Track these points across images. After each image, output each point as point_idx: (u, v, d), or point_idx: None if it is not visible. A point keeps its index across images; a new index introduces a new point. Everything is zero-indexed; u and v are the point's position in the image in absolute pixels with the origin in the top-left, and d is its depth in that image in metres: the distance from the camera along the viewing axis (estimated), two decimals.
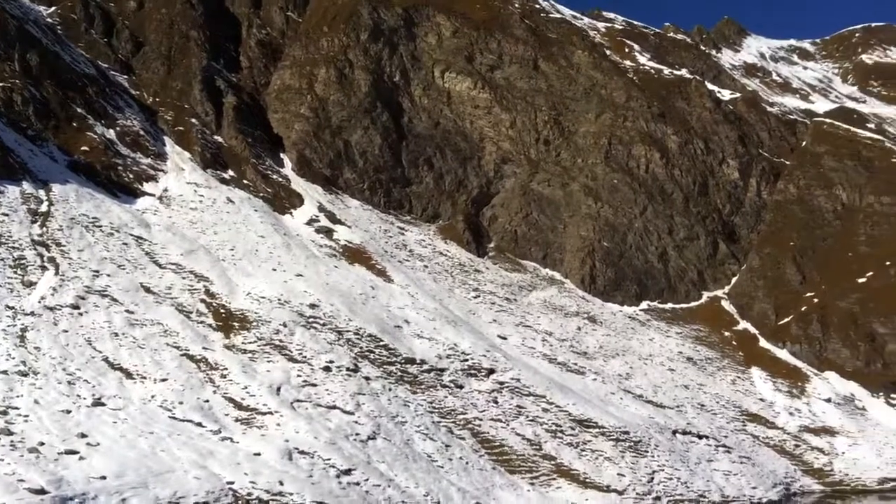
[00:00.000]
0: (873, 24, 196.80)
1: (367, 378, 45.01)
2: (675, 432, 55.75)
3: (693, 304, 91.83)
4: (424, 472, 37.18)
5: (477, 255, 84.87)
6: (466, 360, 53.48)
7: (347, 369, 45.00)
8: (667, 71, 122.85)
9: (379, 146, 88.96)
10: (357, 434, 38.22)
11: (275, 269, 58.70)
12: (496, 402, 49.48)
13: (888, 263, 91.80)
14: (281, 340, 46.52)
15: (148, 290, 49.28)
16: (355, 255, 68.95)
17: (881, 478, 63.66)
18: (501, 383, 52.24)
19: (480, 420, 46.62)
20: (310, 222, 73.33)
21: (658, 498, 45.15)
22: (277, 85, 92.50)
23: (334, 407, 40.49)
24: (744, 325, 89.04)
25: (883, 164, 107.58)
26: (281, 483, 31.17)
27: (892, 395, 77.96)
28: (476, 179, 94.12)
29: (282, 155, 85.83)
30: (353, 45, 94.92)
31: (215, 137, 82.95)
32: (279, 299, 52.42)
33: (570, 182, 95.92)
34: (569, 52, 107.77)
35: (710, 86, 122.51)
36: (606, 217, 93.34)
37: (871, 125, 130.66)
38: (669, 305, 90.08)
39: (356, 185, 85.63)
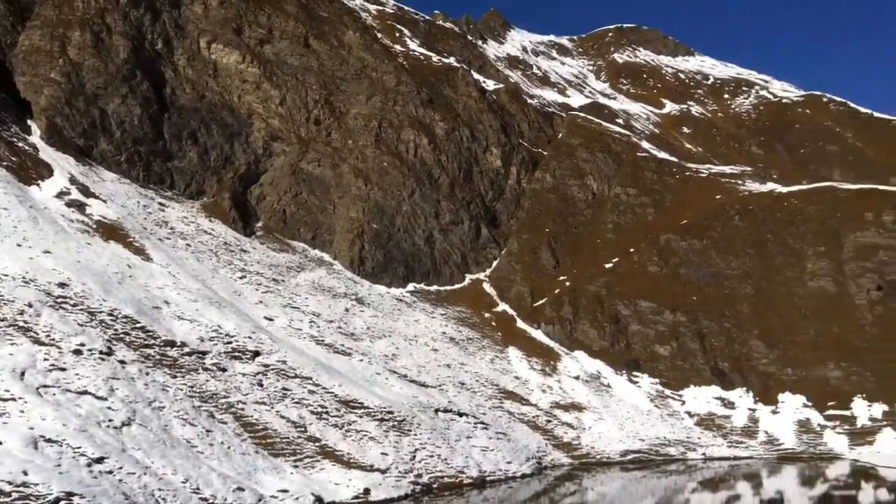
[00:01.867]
0: (625, 25, 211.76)
1: (122, 362, 42.49)
2: (437, 410, 57.21)
3: (457, 286, 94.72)
4: (183, 459, 35.70)
5: (244, 234, 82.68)
6: (230, 343, 51.95)
7: (100, 352, 42.23)
8: (435, 58, 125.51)
9: (138, 117, 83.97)
10: (110, 420, 36.00)
11: (19, 245, 53.91)
12: (261, 385, 48.47)
13: (632, 250, 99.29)
14: (25, 321, 42.82)
15: None
16: (111, 231, 64.83)
17: (623, 450, 68.90)
18: (267, 366, 51.25)
19: (244, 403, 45.48)
20: (60, 195, 67.87)
21: (419, 475, 46.15)
22: (25, 46, 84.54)
23: (85, 392, 37.86)
24: (503, 306, 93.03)
25: (630, 158, 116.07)
26: (25, 473, 28.75)
27: (634, 373, 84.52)
28: (244, 156, 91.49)
29: (29, 122, 78.61)
30: (111, 8, 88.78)
31: None
32: (24, 277, 48.20)
33: (340, 163, 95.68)
34: (340, 31, 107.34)
35: (476, 75, 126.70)
36: (376, 199, 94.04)
37: (620, 120, 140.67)
38: (435, 287, 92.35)
39: (113, 158, 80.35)
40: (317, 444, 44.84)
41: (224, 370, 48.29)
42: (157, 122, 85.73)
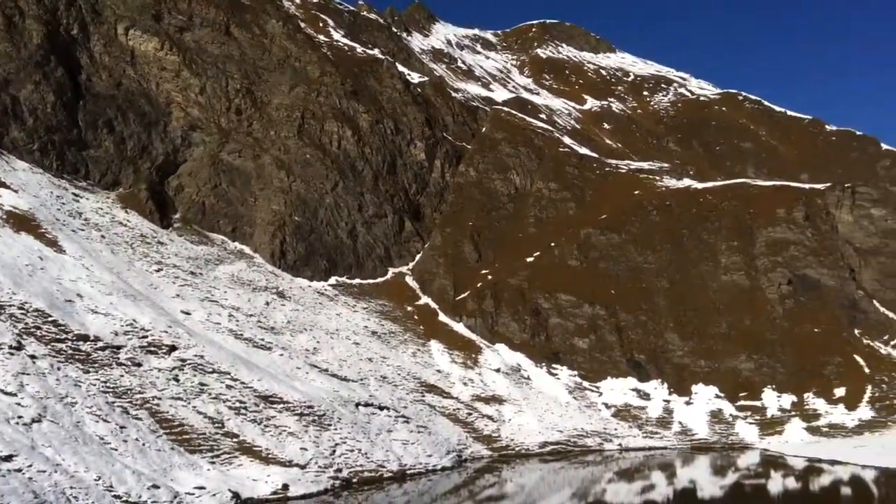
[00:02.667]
0: (548, 21, 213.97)
1: (32, 357, 41.26)
2: (358, 405, 57.12)
3: (379, 279, 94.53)
4: (96, 456, 34.91)
5: (161, 226, 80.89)
6: (146, 337, 50.88)
7: (10, 347, 40.94)
8: (360, 49, 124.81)
9: (52, 104, 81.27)
10: (20, 417, 34.96)
11: None
12: (177, 380, 47.64)
13: (553, 244, 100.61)
14: None
15: None
16: (22, 222, 62.72)
17: (542, 442, 69.89)
18: (183, 360, 50.37)
19: (160, 399, 44.66)
20: None
21: (339, 470, 46.05)
22: None
23: None
24: (425, 300, 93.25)
25: (552, 153, 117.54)
26: None
27: (554, 365, 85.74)
28: (162, 146, 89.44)
29: None
30: None
31: None
32: None
33: (262, 154, 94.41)
34: (263, 20, 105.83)
35: (400, 68, 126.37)
36: (298, 191, 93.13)
37: (543, 115, 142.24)
38: (357, 281, 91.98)
39: (24, 146, 77.64)
40: (235, 439, 44.34)
41: (139, 365, 47.33)
42: (71, 110, 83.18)
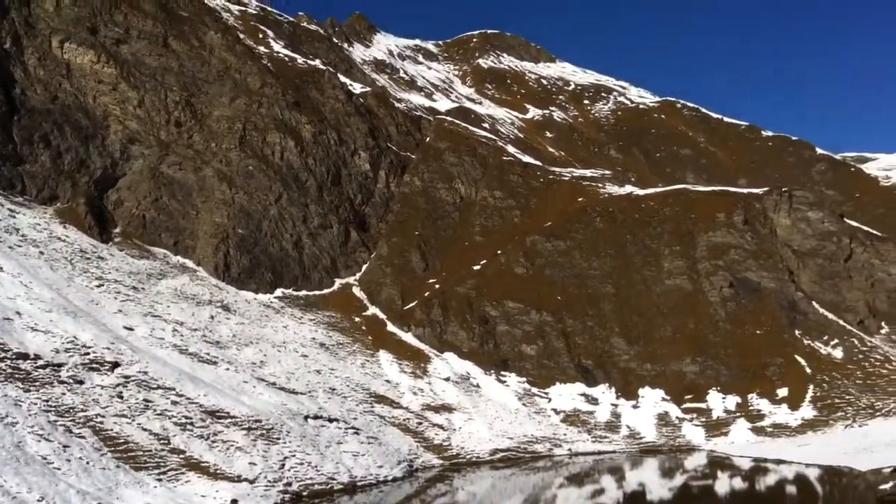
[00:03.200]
0: (489, 31, 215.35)
1: None
2: (307, 417, 56.55)
3: (326, 290, 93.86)
4: (39, 476, 33.93)
5: (100, 240, 79.24)
6: (88, 354, 49.71)
7: None
8: (301, 60, 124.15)
9: None
10: None
11: None
12: (121, 397, 46.61)
13: (499, 252, 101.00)
14: None
15: None
16: None
17: (492, 449, 69.94)
18: (127, 377, 49.31)
19: (103, 417, 43.63)
20: None
21: (289, 484, 45.51)
22: None
23: None
24: (373, 310, 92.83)
25: (496, 161, 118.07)
26: None
27: (503, 373, 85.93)
28: (100, 160, 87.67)
29: None
30: None
31: None
32: None
33: (203, 166, 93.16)
34: (201, 32, 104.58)
35: (342, 78, 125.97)
36: (241, 203, 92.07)
37: (486, 125, 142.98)
38: (303, 292, 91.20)
39: None
40: (181, 456, 43.52)
41: (81, 383, 46.21)
42: (5, 125, 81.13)
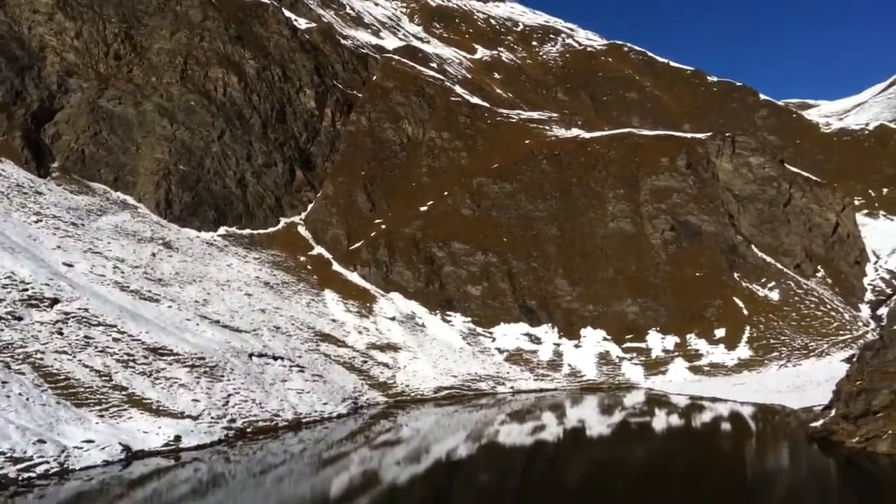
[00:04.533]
0: None
1: None
2: (251, 355, 56.43)
3: (271, 229, 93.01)
4: None
5: (38, 175, 77.19)
6: (26, 290, 48.71)
7: None
8: None
9: None
10: None
11: None
12: (61, 334, 45.91)
13: (446, 193, 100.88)
14: None
15: None
16: None
17: (436, 387, 70.71)
18: (67, 313, 48.52)
19: (43, 353, 42.98)
20: None
21: (233, 420, 45.55)
22: None
23: None
24: (318, 249, 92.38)
25: (443, 102, 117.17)
26: None
27: (448, 313, 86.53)
28: (36, 92, 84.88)
29: None
30: None
31: None
32: None
33: (143, 101, 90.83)
34: None
35: (287, 13, 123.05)
36: (183, 140, 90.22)
37: (434, 64, 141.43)
38: (248, 231, 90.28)
39: None
40: (123, 392, 43.19)
41: (20, 319, 45.36)
42: None
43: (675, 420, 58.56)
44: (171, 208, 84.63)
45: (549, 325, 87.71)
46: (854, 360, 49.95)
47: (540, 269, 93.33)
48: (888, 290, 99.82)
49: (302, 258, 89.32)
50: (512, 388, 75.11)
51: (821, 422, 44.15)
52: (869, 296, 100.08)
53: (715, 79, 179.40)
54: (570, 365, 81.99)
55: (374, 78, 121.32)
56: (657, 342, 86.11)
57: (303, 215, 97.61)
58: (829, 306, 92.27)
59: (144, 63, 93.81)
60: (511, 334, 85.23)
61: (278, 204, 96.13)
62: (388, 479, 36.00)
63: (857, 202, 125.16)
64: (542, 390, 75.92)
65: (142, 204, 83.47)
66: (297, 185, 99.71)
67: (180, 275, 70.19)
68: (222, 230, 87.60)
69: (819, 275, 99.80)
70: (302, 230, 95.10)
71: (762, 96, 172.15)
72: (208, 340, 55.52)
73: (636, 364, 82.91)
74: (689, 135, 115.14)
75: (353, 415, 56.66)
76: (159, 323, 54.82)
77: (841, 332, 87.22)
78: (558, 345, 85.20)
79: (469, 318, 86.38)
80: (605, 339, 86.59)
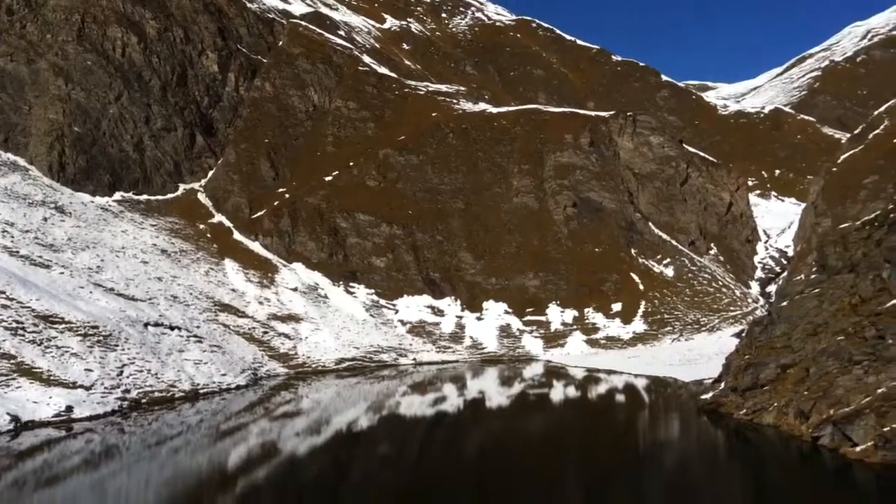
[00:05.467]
0: None
1: None
2: (146, 325, 55.08)
3: (169, 196, 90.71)
4: None
5: None
6: None
7: None
8: None
9: None
10: None
11: None
12: None
13: (352, 164, 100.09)
14: None
15: None
16: None
17: (338, 358, 70.53)
18: None
19: None
20: None
21: (127, 391, 44.46)
22: None
23: None
24: (219, 217, 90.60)
25: (351, 71, 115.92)
26: None
27: (351, 284, 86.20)
28: None
29: None
30: None
31: None
32: None
33: (37, 59, 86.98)
34: None
35: None
36: (78, 100, 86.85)
37: (342, 32, 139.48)
38: (145, 197, 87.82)
39: None
40: (12, 361, 41.59)
41: None
42: None
43: (572, 392, 59.89)
44: (64, 171, 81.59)
45: (453, 297, 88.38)
46: (743, 335, 52.00)
47: (444, 242, 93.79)
48: (777, 269, 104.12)
49: (201, 226, 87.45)
50: (414, 359, 75.53)
51: (710, 394, 45.73)
52: (759, 273, 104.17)
53: (619, 58, 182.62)
54: (471, 337, 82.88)
55: (280, 43, 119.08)
56: (556, 315, 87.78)
57: (203, 182, 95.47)
58: (720, 283, 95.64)
59: (39, 19, 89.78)
60: (414, 306, 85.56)
61: (177, 170, 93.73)
62: (287, 451, 35.77)
63: (750, 183, 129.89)
64: (444, 362, 76.57)
65: (33, 166, 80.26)
66: (198, 150, 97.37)
67: (73, 240, 67.84)
68: (118, 195, 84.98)
69: (712, 252, 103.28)
70: (202, 197, 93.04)
71: (664, 77, 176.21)
72: (102, 309, 53.92)
73: (536, 337, 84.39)
74: (592, 113, 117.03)
75: (253, 386, 56.06)
76: (50, 290, 52.93)
77: (731, 308, 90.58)
78: (461, 317, 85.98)
79: (372, 290, 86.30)
80: (506, 312, 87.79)
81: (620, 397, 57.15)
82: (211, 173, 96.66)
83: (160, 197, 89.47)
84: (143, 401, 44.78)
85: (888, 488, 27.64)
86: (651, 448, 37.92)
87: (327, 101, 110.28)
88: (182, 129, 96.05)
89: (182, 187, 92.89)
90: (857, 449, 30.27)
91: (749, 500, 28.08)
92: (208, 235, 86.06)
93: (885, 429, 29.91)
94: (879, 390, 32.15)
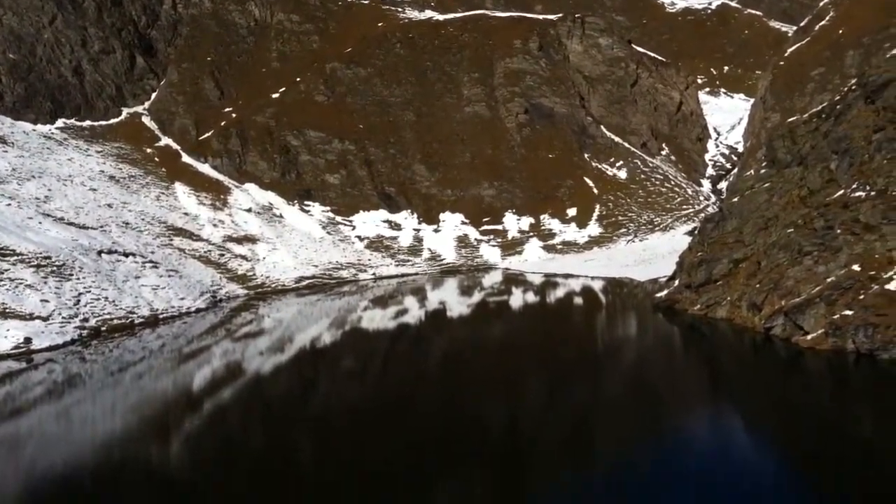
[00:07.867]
0: None
1: None
2: (100, 252, 54.33)
3: (113, 120, 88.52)
4: None
5: None
6: None
7: None
8: None
9: None
10: None
11: None
12: None
13: (298, 80, 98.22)
14: None
15: None
16: None
17: (297, 277, 70.47)
18: None
19: None
20: None
21: (86, 319, 44.10)
22: None
23: None
24: (166, 141, 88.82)
25: None
26: None
27: (306, 202, 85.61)
28: None
29: None
30: None
31: None
32: None
33: None
34: None
35: None
36: (11, 26, 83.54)
37: None
38: (88, 123, 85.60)
39: None
40: None
41: None
42: None
43: (531, 297, 60.71)
44: (2, 100, 79.07)
45: (409, 211, 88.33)
46: (696, 232, 52.82)
47: (398, 155, 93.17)
48: (728, 165, 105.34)
49: (148, 150, 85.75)
50: (373, 274, 75.76)
51: (665, 292, 46.71)
52: (710, 171, 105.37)
53: None
54: (430, 249, 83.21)
55: None
56: (513, 223, 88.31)
57: (147, 105, 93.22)
58: (673, 182, 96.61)
59: None
60: (371, 222, 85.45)
61: (119, 93, 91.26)
62: (251, 370, 35.94)
63: (699, 80, 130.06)
64: (403, 275, 76.96)
65: None
66: (139, 72, 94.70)
67: (17, 171, 66.16)
68: (60, 122, 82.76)
69: (664, 152, 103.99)
70: (147, 121, 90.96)
71: None
72: (53, 239, 53.00)
73: (493, 245, 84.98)
74: (541, 16, 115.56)
75: (213, 308, 55.94)
76: None
77: (684, 207, 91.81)
78: (418, 230, 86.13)
79: (328, 207, 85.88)
80: (463, 222, 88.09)
81: (578, 300, 58.10)
82: (154, 95, 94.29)
83: (104, 122, 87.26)
84: (103, 328, 44.49)
85: (838, 374, 28.68)
86: (610, 346, 38.78)
87: (269, 16, 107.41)
88: (121, 50, 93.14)
89: (126, 111, 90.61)
90: (809, 337, 31.24)
91: (705, 390, 28.99)
92: (156, 159, 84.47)
93: (835, 316, 30.84)
94: (829, 279, 33.02)
